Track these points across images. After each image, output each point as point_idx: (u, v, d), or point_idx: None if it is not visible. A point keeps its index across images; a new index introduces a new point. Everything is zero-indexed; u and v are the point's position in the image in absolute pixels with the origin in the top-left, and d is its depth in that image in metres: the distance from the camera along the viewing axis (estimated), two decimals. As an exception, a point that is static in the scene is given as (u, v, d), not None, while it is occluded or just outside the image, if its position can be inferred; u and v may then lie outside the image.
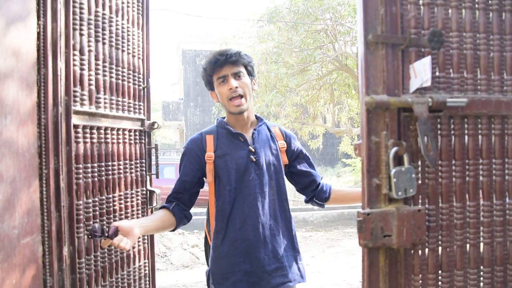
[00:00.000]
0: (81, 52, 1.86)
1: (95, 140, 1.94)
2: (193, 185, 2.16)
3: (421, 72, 1.32)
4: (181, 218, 2.13)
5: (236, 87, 2.08)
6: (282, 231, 2.12)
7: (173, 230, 2.15)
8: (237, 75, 2.10)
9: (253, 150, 2.12)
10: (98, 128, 1.97)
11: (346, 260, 6.88)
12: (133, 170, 2.27)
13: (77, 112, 1.81)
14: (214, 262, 2.12)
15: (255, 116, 2.25)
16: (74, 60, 1.80)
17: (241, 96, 2.09)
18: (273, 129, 2.25)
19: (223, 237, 2.09)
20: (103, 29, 2.01)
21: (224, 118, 2.25)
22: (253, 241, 2.05)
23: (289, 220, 2.16)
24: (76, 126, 1.81)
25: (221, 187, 2.10)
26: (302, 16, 11.11)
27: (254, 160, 2.10)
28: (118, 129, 2.13)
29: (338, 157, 20.56)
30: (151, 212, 2.46)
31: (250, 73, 2.17)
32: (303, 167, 2.25)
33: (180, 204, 2.14)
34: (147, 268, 2.41)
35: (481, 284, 1.43)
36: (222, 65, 2.09)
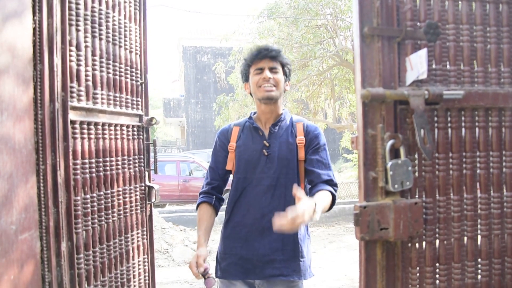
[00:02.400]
0: (78, 48, 1.85)
1: (92, 136, 1.94)
2: (224, 171, 2.28)
3: (417, 64, 1.32)
4: (218, 208, 2.29)
5: (270, 78, 2.15)
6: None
7: None
8: (273, 70, 2.17)
9: (267, 144, 2.18)
10: (96, 124, 1.97)
11: (347, 255, 6.88)
12: (131, 166, 2.27)
13: (74, 108, 1.81)
14: (220, 241, 2.27)
15: (283, 110, 2.29)
16: (70, 55, 1.80)
17: (272, 86, 2.15)
18: (297, 124, 2.26)
19: (227, 220, 2.22)
20: (100, 24, 2.01)
21: (255, 113, 2.30)
22: (252, 230, 2.13)
23: None
24: (73, 122, 1.81)
25: (235, 175, 2.23)
26: (302, 11, 11.07)
27: (267, 154, 2.16)
28: (116, 125, 2.13)
29: (339, 153, 20.54)
30: (150, 207, 2.47)
31: (286, 74, 2.24)
32: (309, 165, 2.20)
33: (216, 194, 2.29)
34: (146, 263, 2.42)
35: (479, 276, 1.43)
36: (261, 58, 2.17)
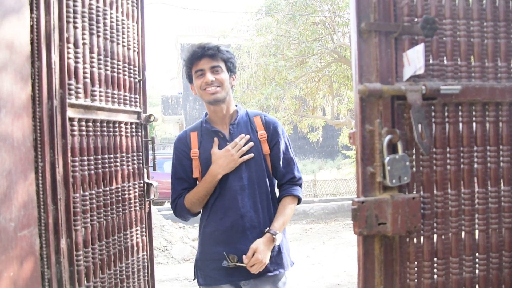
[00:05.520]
0: (76, 45, 1.85)
1: (91, 133, 1.94)
2: (191, 179, 2.24)
3: (414, 59, 1.32)
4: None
5: (212, 81, 2.10)
6: (263, 222, 2.15)
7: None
8: (214, 70, 2.12)
9: None
10: (94, 121, 1.97)
11: (346, 251, 6.90)
12: (130, 163, 2.27)
13: (72, 105, 1.81)
14: (199, 248, 2.26)
15: (236, 106, 2.26)
16: (68, 53, 1.79)
17: (217, 87, 2.11)
18: (254, 119, 2.24)
19: (204, 226, 2.22)
20: (98, 22, 2.00)
21: (207, 114, 2.27)
22: (233, 232, 2.13)
23: (271, 211, 2.18)
24: (71, 119, 1.81)
25: None
26: (300, 8, 11.05)
27: None
28: (114, 122, 2.13)
29: (338, 149, 20.57)
30: (149, 204, 2.47)
31: (230, 69, 2.19)
32: (273, 160, 2.21)
33: None
34: (145, 260, 2.42)
35: (477, 271, 1.44)
36: (199, 58, 2.13)
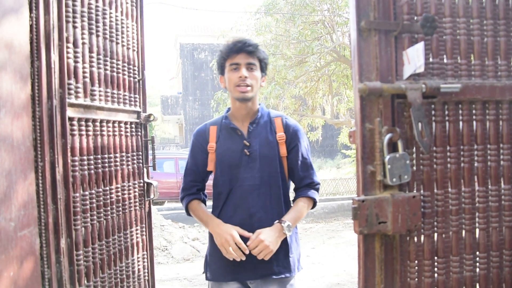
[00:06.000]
0: (75, 45, 1.85)
1: (90, 133, 1.94)
2: (205, 172, 2.27)
3: (414, 58, 1.32)
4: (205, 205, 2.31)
5: (246, 77, 2.10)
6: (273, 223, 2.11)
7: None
8: (249, 66, 2.12)
9: (247, 144, 2.16)
10: (94, 121, 1.97)
11: (346, 250, 6.90)
12: (129, 163, 2.27)
13: (72, 105, 1.81)
14: (208, 244, 2.25)
15: (259, 105, 2.26)
16: (67, 52, 1.79)
17: (247, 86, 2.11)
18: (275, 120, 2.23)
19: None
20: (97, 21, 2.00)
21: (229, 109, 2.27)
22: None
23: (282, 213, 2.15)
24: (71, 119, 1.81)
25: (218, 177, 2.19)
26: (299, 7, 11.04)
27: (248, 153, 2.14)
28: (114, 122, 2.13)
29: (337, 149, 20.56)
30: (149, 204, 2.47)
31: (263, 69, 2.19)
32: (291, 163, 2.20)
33: (203, 193, 2.31)
34: (145, 260, 2.42)
35: (477, 269, 1.44)
36: (237, 52, 2.12)
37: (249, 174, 2.13)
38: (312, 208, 2.24)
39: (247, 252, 2.02)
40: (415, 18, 1.36)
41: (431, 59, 1.39)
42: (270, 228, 2.05)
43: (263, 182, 2.13)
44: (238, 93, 2.11)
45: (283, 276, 2.13)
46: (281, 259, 2.12)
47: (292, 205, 2.22)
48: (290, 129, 2.20)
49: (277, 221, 2.08)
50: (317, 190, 2.26)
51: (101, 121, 2.03)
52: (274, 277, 2.11)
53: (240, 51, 2.11)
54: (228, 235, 2.03)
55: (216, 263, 2.17)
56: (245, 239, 2.04)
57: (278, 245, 2.05)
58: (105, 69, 2.07)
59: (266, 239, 2.00)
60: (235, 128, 2.18)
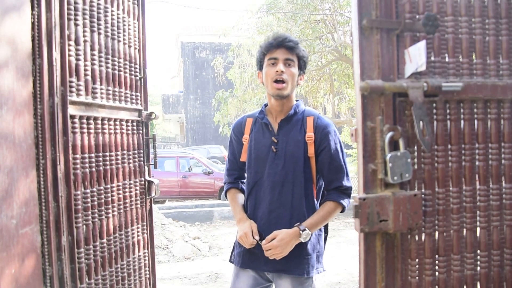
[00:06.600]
0: (77, 42, 1.85)
1: (92, 130, 1.95)
2: (241, 162, 2.34)
3: (416, 56, 1.32)
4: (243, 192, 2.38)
5: (283, 72, 2.09)
6: (292, 221, 2.10)
7: None
8: (287, 62, 2.12)
9: (275, 140, 2.16)
10: (95, 119, 1.97)
11: (347, 249, 6.90)
12: (131, 161, 2.28)
13: (74, 103, 1.81)
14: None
15: (297, 101, 2.25)
16: (69, 50, 1.80)
17: (283, 82, 2.10)
18: (308, 119, 2.19)
19: (245, 211, 2.28)
20: (99, 19, 2.00)
21: (267, 105, 2.28)
22: (261, 224, 2.16)
23: (303, 212, 2.13)
24: (72, 117, 1.81)
25: (247, 168, 2.27)
26: (300, 6, 11.05)
27: (275, 150, 2.15)
28: (115, 120, 2.13)
29: (338, 148, 20.52)
30: (150, 202, 2.47)
31: (301, 67, 2.18)
32: (320, 165, 2.17)
33: (240, 180, 2.41)
34: (147, 258, 2.42)
35: (478, 268, 1.44)
36: (276, 47, 2.12)
37: (273, 171, 2.14)
38: (341, 212, 2.19)
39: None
40: (417, 16, 1.36)
41: (432, 58, 1.39)
42: (287, 231, 2.05)
43: (286, 180, 2.13)
44: (274, 89, 2.11)
45: (295, 275, 2.12)
46: (295, 258, 2.11)
47: (318, 207, 2.19)
48: (320, 130, 2.16)
49: (297, 224, 2.07)
50: (348, 194, 2.18)
51: (103, 119, 2.03)
52: (285, 274, 2.12)
53: (279, 46, 2.11)
54: (243, 233, 2.12)
55: (239, 248, 2.24)
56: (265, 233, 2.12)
57: (291, 249, 2.06)
58: (107, 67, 2.07)
59: (279, 243, 2.03)
60: (267, 123, 2.21)
